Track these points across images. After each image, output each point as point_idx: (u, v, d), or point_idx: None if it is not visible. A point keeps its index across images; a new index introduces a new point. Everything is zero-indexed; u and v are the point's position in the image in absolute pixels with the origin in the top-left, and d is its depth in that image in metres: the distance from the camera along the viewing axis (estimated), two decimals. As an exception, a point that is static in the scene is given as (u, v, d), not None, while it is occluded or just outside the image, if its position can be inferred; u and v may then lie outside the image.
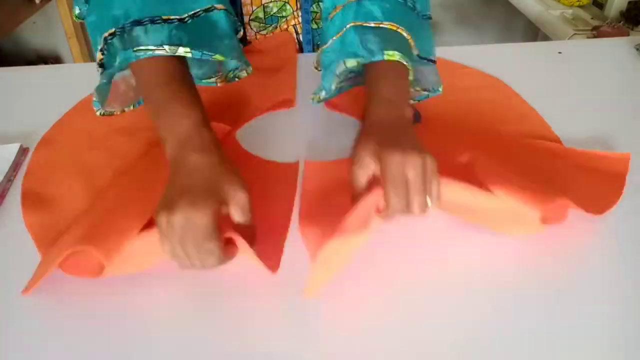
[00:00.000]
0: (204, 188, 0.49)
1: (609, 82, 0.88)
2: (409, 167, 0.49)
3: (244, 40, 0.95)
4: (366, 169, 0.52)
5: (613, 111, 0.80)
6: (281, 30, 0.96)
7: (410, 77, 0.64)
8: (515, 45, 1.03)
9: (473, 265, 0.56)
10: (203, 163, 0.51)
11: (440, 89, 0.72)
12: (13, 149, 0.72)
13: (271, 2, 0.91)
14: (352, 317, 0.51)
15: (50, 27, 2.19)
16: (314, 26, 0.99)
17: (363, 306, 0.52)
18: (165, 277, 0.55)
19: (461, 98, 0.81)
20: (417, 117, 0.74)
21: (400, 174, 0.49)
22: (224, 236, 0.49)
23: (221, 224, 0.49)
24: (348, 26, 0.65)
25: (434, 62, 0.73)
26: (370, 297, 0.53)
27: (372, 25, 0.64)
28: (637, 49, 0.94)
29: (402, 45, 0.63)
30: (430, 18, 0.75)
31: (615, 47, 0.98)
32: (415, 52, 0.68)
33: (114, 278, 0.54)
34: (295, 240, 0.58)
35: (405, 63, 0.61)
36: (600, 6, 1.64)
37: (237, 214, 0.50)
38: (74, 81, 0.89)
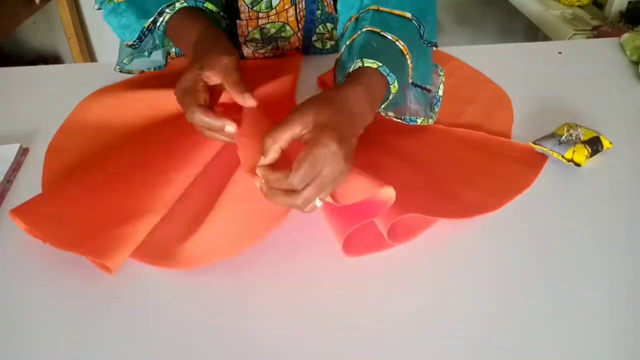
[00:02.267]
0: (194, 61, 0.61)
1: (609, 82, 0.88)
2: (331, 163, 0.49)
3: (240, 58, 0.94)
4: (297, 128, 0.51)
5: (612, 111, 0.80)
6: (282, 51, 0.93)
7: (394, 90, 0.61)
8: (515, 45, 1.03)
9: (472, 266, 0.56)
10: (198, 46, 0.64)
11: (419, 121, 0.69)
12: (13, 149, 0.72)
13: (268, 23, 0.88)
14: (353, 315, 0.51)
15: (50, 27, 2.19)
16: (319, 46, 0.98)
17: (363, 304, 0.52)
18: (165, 272, 0.55)
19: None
20: None
21: (321, 162, 0.49)
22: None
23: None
24: (363, 30, 0.63)
25: (428, 90, 0.71)
26: (370, 295, 0.53)
27: (389, 38, 0.62)
28: (637, 49, 0.94)
29: (400, 68, 0.62)
30: (435, 45, 0.72)
31: (615, 47, 0.98)
32: (410, 79, 0.66)
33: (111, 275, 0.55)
34: (294, 240, 0.58)
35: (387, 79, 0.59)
36: (600, 6, 1.64)
37: (220, 75, 0.59)
38: (74, 81, 0.89)
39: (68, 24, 2.08)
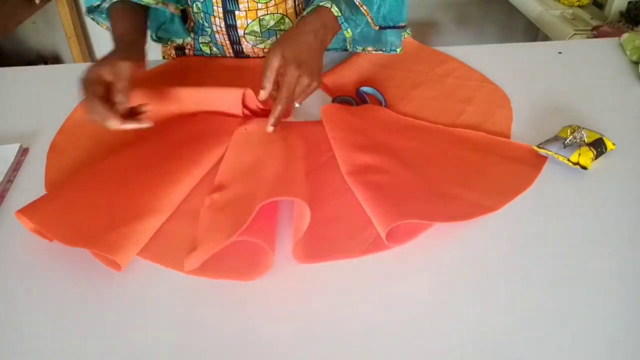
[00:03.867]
0: (102, 58, 0.69)
1: (609, 82, 0.88)
2: (299, 85, 0.70)
3: (239, 54, 0.94)
4: (273, 69, 0.70)
5: (613, 111, 0.80)
6: None
7: (348, 35, 0.79)
8: (515, 45, 1.03)
9: (470, 266, 0.56)
10: (116, 45, 0.74)
11: (399, 50, 0.90)
12: (13, 149, 0.72)
13: (267, 14, 0.88)
14: (351, 314, 0.51)
15: (50, 27, 2.19)
16: None
17: (362, 305, 0.52)
18: (166, 274, 0.55)
19: (429, 84, 0.87)
20: (383, 102, 0.82)
21: (292, 85, 0.69)
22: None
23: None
24: None
25: (400, 27, 0.88)
26: (369, 296, 0.53)
27: (356, 1, 0.79)
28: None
29: (355, 21, 0.80)
30: None
31: (615, 47, 0.98)
32: (375, 26, 0.84)
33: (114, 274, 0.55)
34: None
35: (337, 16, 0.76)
36: (600, 6, 1.64)
37: (112, 77, 0.66)
38: (74, 81, 0.89)
39: (68, 24, 2.07)
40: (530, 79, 0.88)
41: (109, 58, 0.69)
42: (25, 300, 0.53)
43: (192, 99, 0.75)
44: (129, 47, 0.74)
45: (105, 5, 0.81)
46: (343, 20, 0.76)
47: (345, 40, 0.87)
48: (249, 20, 0.88)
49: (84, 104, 0.65)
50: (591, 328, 0.49)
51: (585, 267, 0.56)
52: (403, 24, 0.88)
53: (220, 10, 0.88)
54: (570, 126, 0.71)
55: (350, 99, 0.82)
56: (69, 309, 0.52)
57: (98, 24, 0.89)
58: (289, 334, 0.50)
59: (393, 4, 0.85)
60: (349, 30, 0.78)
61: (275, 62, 0.70)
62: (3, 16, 1.73)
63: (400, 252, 0.57)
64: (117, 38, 0.76)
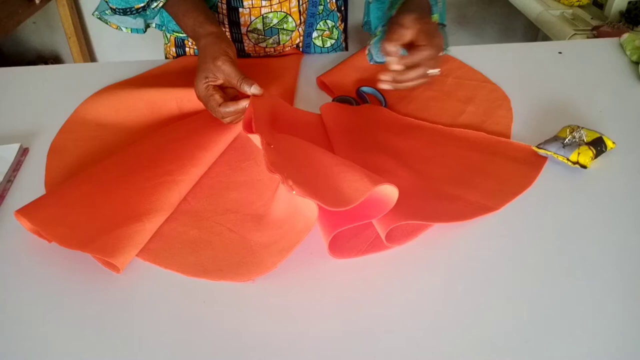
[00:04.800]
0: (199, 68, 0.70)
1: (609, 82, 0.88)
2: (438, 38, 0.67)
3: (240, 52, 0.94)
4: (406, 32, 0.66)
5: (613, 111, 0.80)
6: (283, 47, 0.94)
7: (435, 19, 0.77)
8: (515, 45, 1.03)
9: (468, 265, 0.56)
10: (200, 49, 0.72)
11: (448, 50, 0.83)
12: (13, 149, 0.72)
13: (271, 12, 0.88)
14: (351, 313, 0.51)
15: (50, 27, 2.19)
16: (319, 44, 0.98)
17: (362, 305, 0.52)
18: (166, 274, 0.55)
19: (429, 84, 0.85)
20: (383, 102, 0.82)
21: (432, 36, 0.67)
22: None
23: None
24: None
25: (444, 25, 0.84)
26: (369, 297, 0.53)
27: None
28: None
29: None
30: None
31: (615, 47, 0.98)
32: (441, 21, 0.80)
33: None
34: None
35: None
36: (600, 6, 1.64)
37: (222, 78, 0.69)
38: (74, 81, 0.89)
39: (68, 24, 2.07)
40: (530, 79, 0.88)
41: (205, 65, 0.69)
42: (25, 300, 0.53)
43: (191, 99, 0.75)
44: (211, 38, 0.71)
45: (160, 3, 0.79)
46: (434, 3, 0.77)
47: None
48: (252, 18, 0.88)
49: (217, 117, 0.70)
50: (591, 326, 0.50)
51: (587, 266, 0.56)
52: (445, 24, 0.86)
53: (224, 7, 0.88)
54: (569, 126, 0.71)
55: (350, 99, 0.82)
56: (69, 309, 0.52)
57: (107, 23, 0.88)
58: (288, 334, 0.50)
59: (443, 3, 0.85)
60: (436, 15, 0.77)
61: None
62: (3, 16, 1.73)
63: (399, 252, 0.57)
64: (193, 32, 0.74)
